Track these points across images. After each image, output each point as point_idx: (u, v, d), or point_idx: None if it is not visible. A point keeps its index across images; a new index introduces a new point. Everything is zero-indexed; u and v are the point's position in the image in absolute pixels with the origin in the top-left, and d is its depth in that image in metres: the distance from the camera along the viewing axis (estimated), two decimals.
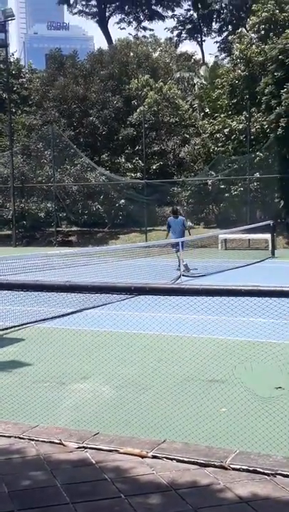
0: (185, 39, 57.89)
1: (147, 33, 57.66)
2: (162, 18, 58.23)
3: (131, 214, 33.34)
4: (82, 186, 33.78)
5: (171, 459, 4.52)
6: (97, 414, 5.86)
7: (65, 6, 61.86)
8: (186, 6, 56.74)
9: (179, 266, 16.76)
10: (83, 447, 4.74)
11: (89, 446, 4.75)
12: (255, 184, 30.19)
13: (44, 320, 11.16)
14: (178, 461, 4.50)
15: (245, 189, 29.74)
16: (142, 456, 4.58)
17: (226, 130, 31.18)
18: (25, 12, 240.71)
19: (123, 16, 59.09)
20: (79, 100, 36.09)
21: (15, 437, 4.91)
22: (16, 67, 43.30)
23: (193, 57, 49.50)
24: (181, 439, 5.01)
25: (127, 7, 58.28)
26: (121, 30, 60.36)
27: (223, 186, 31.29)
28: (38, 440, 4.86)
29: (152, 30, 59.70)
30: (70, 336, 9.66)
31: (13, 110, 37.58)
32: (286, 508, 3.83)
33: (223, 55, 49.52)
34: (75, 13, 60.05)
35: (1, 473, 4.30)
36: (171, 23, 61.06)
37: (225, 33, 51.98)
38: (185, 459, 4.50)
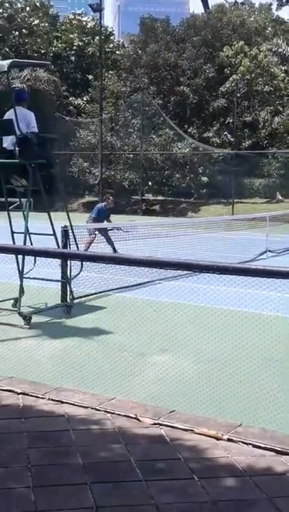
0: (285, 4, 55.49)
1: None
2: None
3: (218, 185, 32.85)
4: (168, 156, 33.53)
5: (247, 444, 4.43)
6: (174, 390, 5.83)
7: None
8: None
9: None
10: (158, 424, 4.72)
11: (164, 423, 4.73)
12: None
13: (125, 288, 11.25)
14: (254, 446, 4.40)
15: None
16: (217, 439, 4.51)
17: None
18: None
19: None
20: (170, 67, 35.61)
21: (92, 408, 4.95)
22: (110, 32, 43.30)
23: None
24: (258, 424, 4.89)
25: None
26: None
27: None
28: (114, 413, 4.88)
29: None
30: (149, 306, 9.68)
31: (105, 75, 37.53)
32: None
33: None
34: None
35: (77, 444, 4.35)
36: None
37: None
38: (261, 445, 4.39)
